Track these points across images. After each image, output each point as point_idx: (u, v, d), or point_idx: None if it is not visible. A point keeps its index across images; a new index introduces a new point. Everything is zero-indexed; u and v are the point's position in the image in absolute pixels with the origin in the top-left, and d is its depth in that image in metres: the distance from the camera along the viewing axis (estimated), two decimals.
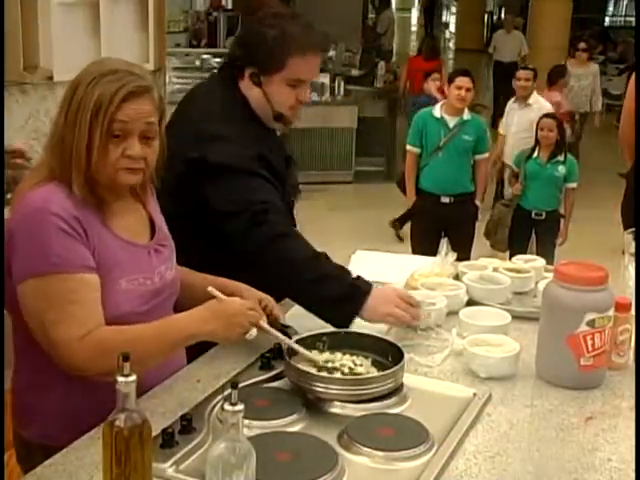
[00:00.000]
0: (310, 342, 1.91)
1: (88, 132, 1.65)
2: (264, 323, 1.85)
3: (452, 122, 5.14)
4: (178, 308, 1.96)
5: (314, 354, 1.88)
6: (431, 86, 7.86)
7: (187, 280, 2.00)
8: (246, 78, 2.23)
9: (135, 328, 1.74)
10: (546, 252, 5.00)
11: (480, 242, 5.57)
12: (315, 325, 2.06)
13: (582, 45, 9.53)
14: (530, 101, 6.45)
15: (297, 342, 1.89)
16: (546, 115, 5.68)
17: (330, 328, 2.01)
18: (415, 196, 5.35)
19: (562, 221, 5.51)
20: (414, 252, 4.92)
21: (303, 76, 2.22)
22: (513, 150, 6.15)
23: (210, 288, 1.84)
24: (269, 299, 2.03)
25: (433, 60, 9.47)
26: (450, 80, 5.19)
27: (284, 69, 2.18)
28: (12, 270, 1.66)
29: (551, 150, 5.38)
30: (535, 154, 5.45)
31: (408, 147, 5.38)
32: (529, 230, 5.52)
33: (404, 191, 5.60)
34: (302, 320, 2.09)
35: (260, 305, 1.96)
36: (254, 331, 1.83)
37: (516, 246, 5.30)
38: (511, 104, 6.68)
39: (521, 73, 6.66)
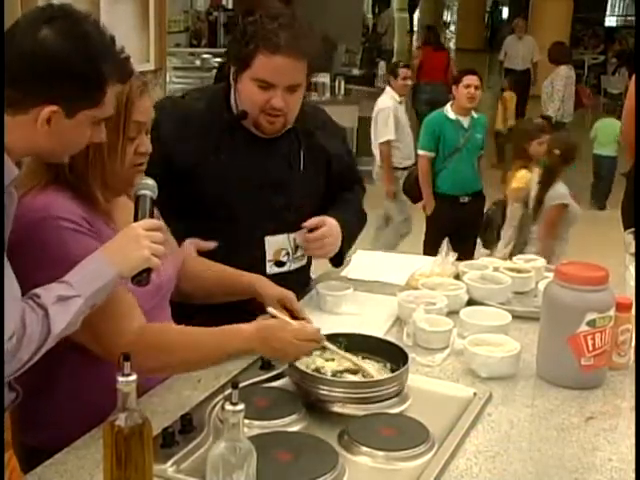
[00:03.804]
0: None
1: (107, 138, 1.62)
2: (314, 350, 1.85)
3: (466, 122, 5.20)
4: (189, 298, 1.97)
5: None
6: None
7: (197, 270, 2.03)
8: (231, 75, 2.20)
9: (197, 331, 1.77)
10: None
11: (478, 241, 5.59)
12: (327, 320, 2.09)
13: None
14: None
15: None
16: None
17: (345, 329, 1.96)
18: (433, 201, 5.31)
19: None
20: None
21: (269, 78, 2.10)
22: None
23: (270, 309, 1.85)
24: (289, 295, 2.02)
25: (442, 51, 9.68)
26: (457, 80, 5.20)
27: (250, 67, 2.11)
28: (26, 279, 1.52)
29: None
30: None
31: (422, 152, 5.26)
32: None
33: (415, 199, 5.56)
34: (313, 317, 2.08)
35: (280, 303, 1.97)
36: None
37: None
38: None
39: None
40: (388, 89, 6.19)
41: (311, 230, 2.25)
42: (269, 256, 2.26)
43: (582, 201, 5.72)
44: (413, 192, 5.50)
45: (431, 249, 5.31)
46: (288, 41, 2.07)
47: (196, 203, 2.19)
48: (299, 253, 2.32)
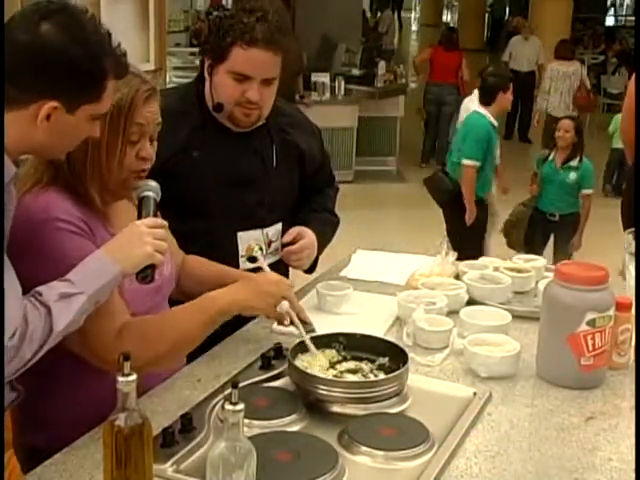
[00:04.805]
0: (326, 342, 1.90)
1: (107, 138, 1.64)
2: (294, 299, 1.88)
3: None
4: (191, 297, 1.98)
5: (329, 354, 1.89)
6: None
7: (196, 269, 2.06)
8: (205, 69, 2.20)
9: (167, 311, 1.80)
10: (563, 254, 5.02)
11: (495, 240, 5.57)
12: (327, 320, 2.10)
13: None
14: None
15: (312, 340, 1.88)
16: (566, 116, 5.78)
17: (345, 329, 1.97)
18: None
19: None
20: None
21: (245, 70, 2.11)
22: None
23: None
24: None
25: (455, 51, 9.61)
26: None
27: (227, 60, 2.12)
28: (26, 279, 1.53)
29: (567, 153, 5.34)
30: (551, 157, 5.43)
31: (471, 162, 5.11)
32: (546, 231, 5.47)
33: (440, 203, 5.52)
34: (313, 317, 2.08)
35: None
36: (285, 303, 1.86)
37: (532, 247, 5.22)
38: None
39: None
40: (476, 92, 6.23)
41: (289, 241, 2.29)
42: (242, 251, 2.26)
43: (595, 198, 5.70)
44: (445, 197, 5.40)
45: (469, 255, 5.26)
46: (265, 34, 2.09)
47: (171, 201, 2.17)
48: (272, 248, 2.32)
